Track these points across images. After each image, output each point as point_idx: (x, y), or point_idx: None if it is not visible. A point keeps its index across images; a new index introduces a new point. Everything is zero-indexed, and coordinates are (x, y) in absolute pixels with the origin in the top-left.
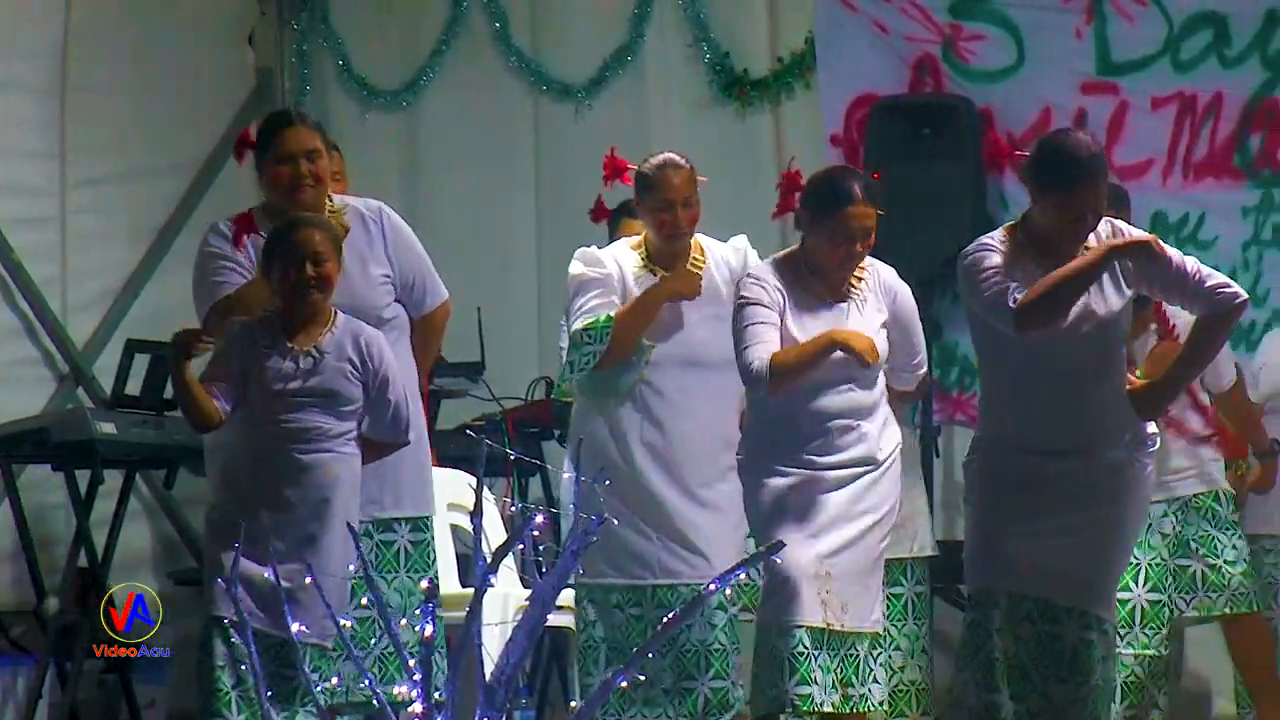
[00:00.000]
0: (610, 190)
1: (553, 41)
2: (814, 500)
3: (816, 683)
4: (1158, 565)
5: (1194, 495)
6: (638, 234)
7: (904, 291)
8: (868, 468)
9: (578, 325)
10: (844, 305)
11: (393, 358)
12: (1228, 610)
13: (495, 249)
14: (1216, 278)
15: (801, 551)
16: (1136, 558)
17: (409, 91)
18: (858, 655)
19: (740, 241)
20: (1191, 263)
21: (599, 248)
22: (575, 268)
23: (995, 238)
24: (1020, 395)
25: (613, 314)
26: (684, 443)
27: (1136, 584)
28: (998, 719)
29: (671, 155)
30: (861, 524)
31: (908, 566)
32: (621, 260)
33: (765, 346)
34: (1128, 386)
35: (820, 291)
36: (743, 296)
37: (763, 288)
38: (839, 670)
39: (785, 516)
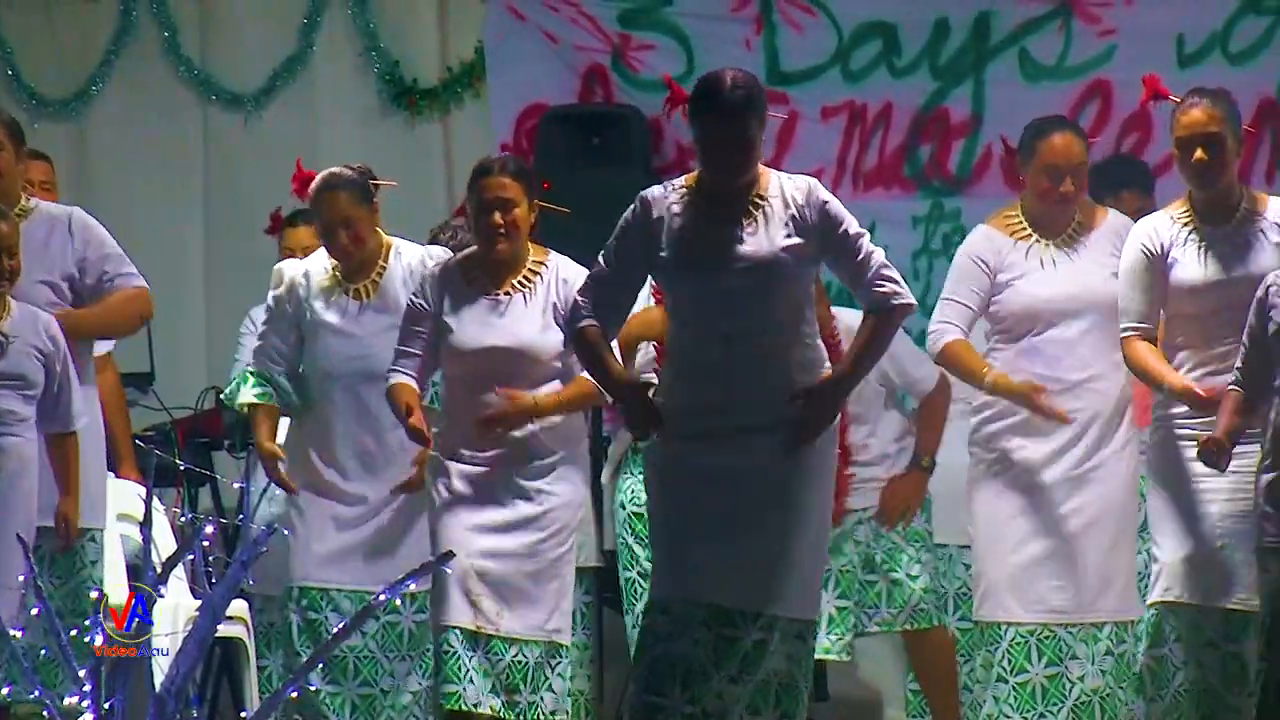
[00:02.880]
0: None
1: (223, 51)
2: (471, 497)
3: (473, 682)
4: (848, 572)
5: None
6: (301, 243)
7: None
8: (525, 463)
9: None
10: (506, 298)
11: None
12: (909, 627)
13: (164, 258)
14: (886, 273)
15: (458, 551)
16: (828, 563)
17: (78, 101)
18: (527, 662)
19: (438, 252)
20: (874, 252)
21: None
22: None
23: (672, 185)
24: (684, 369)
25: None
26: (359, 457)
27: (826, 589)
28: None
29: (331, 173)
30: (523, 524)
31: (577, 576)
32: (311, 270)
33: (400, 353)
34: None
35: (485, 284)
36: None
37: (421, 287)
38: (505, 675)
39: (446, 513)
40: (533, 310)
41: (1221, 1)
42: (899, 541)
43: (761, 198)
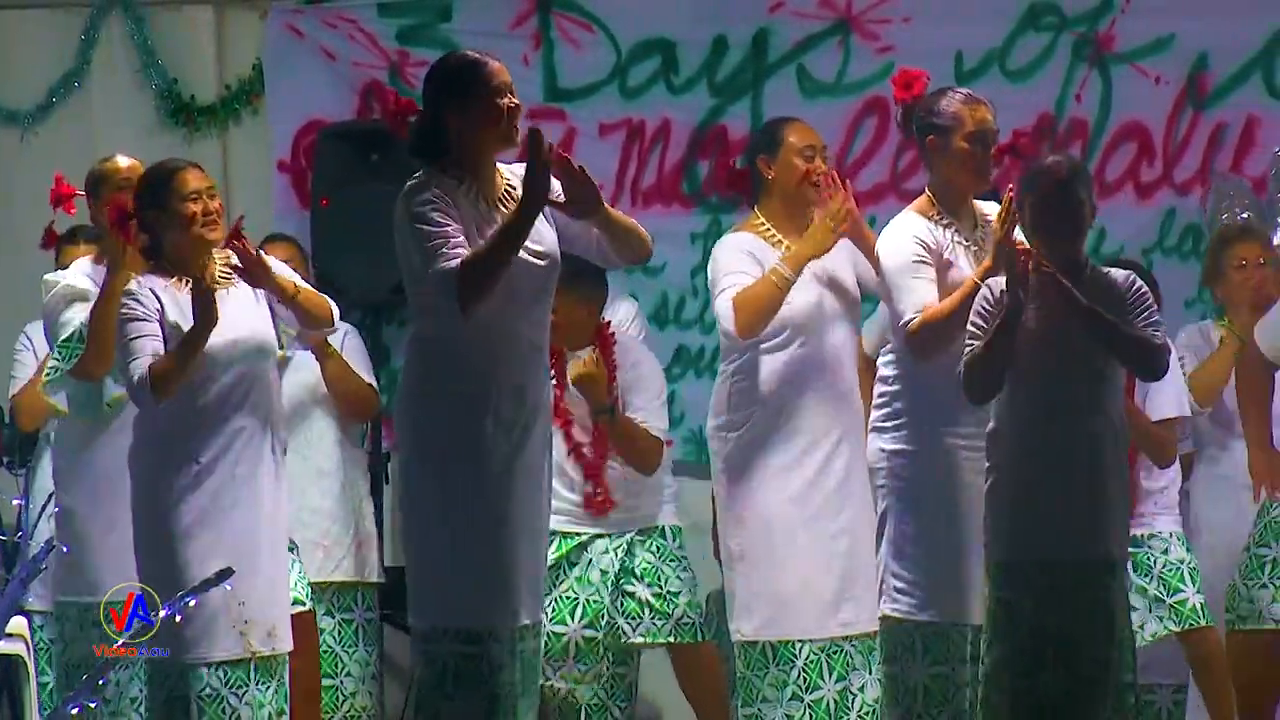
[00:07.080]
0: (58, 215)
1: None
2: (218, 515)
3: None
4: (595, 601)
5: (639, 531)
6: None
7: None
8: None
9: (61, 338)
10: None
11: None
12: (673, 639)
13: None
14: None
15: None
16: (575, 592)
17: None
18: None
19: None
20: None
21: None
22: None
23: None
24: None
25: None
26: None
27: (572, 619)
28: None
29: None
30: (265, 535)
31: (359, 591)
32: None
33: (145, 360)
34: None
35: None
36: None
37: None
38: (274, 700)
39: (192, 531)
40: (245, 300)
41: (1000, 19)
42: (654, 561)
43: (513, 187)
